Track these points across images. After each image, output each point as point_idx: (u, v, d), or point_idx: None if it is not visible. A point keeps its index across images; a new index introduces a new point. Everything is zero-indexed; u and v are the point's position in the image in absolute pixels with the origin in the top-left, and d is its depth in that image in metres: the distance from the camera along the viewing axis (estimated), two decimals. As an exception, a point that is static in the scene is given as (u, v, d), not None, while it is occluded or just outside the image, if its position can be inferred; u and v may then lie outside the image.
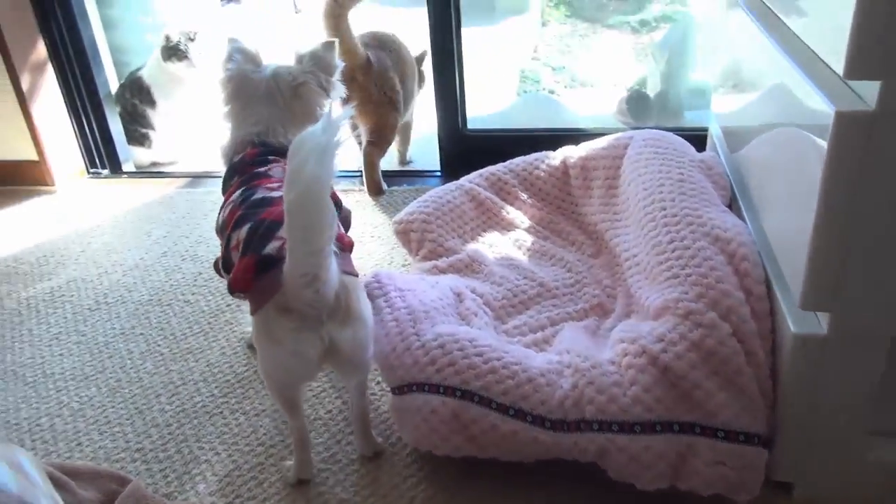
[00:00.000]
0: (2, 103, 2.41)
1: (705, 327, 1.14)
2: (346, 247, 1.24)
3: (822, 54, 1.02)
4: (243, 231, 1.21)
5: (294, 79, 1.45)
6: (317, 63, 1.47)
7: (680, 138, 1.64)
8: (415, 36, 2.48)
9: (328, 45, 1.48)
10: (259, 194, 1.29)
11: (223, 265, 1.32)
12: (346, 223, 1.47)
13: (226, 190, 1.41)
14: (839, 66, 0.91)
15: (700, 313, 1.15)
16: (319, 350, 1.15)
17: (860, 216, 0.96)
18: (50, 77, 2.47)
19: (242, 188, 1.33)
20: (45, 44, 2.43)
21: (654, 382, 1.12)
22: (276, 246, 1.14)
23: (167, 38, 2.61)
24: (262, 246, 1.16)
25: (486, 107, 3.27)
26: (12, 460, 0.76)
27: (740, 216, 1.38)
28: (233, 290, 1.21)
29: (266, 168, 1.38)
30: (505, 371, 1.19)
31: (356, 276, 1.22)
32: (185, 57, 2.61)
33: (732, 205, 1.47)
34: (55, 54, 2.46)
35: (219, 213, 1.38)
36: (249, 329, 1.62)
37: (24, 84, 2.36)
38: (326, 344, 1.14)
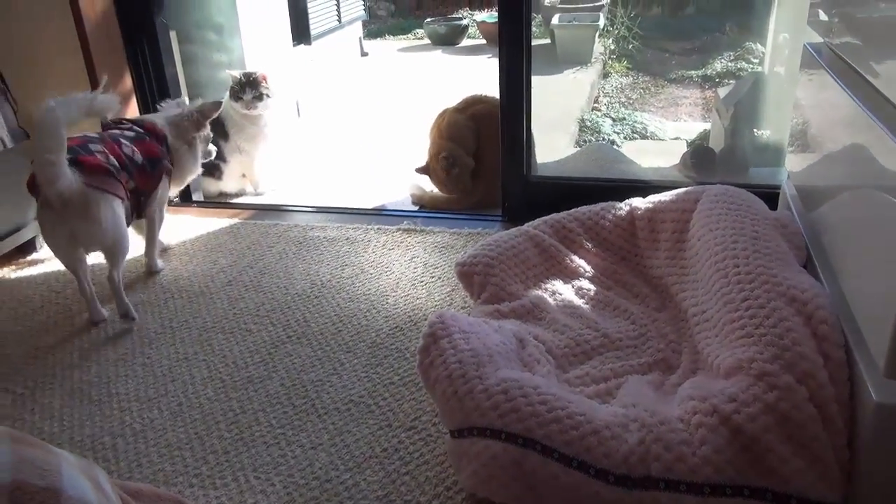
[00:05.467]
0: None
1: (780, 390, 1.10)
2: (93, 168, 1.82)
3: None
4: None
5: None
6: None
7: (753, 195, 1.62)
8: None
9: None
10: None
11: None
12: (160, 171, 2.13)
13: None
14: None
15: (775, 375, 1.12)
16: (64, 237, 1.83)
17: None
18: (132, 108, 2.58)
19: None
20: (131, 77, 2.55)
21: (725, 443, 1.09)
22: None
23: (231, 78, 2.73)
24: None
25: (545, 155, 3.29)
26: (92, 476, 0.78)
27: (816, 278, 1.35)
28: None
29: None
30: (569, 421, 1.17)
31: (102, 192, 1.83)
32: (240, 98, 2.71)
33: (808, 265, 1.43)
34: (139, 87, 2.58)
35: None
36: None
37: (109, 114, 2.48)
38: (68, 233, 1.81)
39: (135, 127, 2.12)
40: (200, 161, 2.32)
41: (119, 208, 1.91)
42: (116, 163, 1.93)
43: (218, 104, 2.30)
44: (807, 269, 1.41)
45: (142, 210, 2.11)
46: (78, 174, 1.77)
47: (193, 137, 2.25)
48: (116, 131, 2.07)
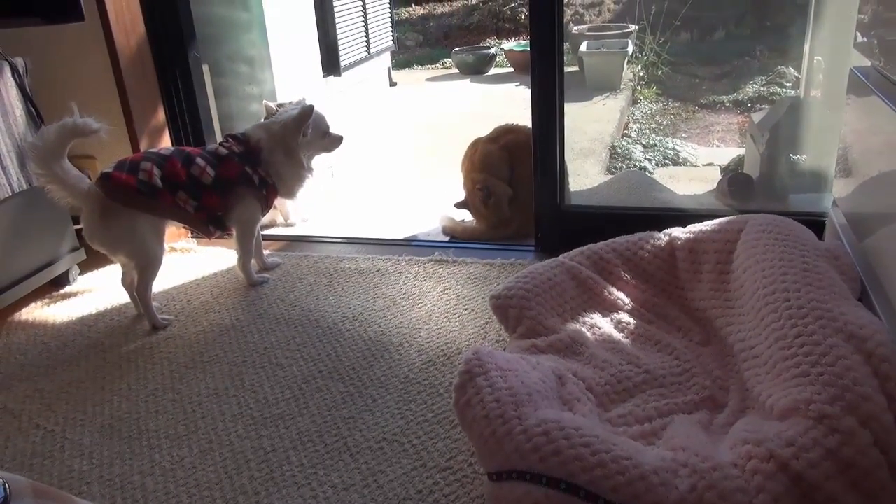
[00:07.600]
0: (120, 164, 2.56)
1: (843, 433, 1.04)
2: (116, 183, 1.97)
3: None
4: None
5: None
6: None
7: (800, 224, 1.56)
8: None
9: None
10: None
11: None
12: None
13: None
14: None
15: (836, 418, 1.05)
16: (92, 241, 2.02)
17: None
18: (165, 141, 2.60)
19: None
20: (165, 111, 2.57)
21: (784, 492, 1.02)
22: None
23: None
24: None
25: (576, 183, 3.25)
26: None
27: (873, 312, 1.28)
28: None
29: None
30: (615, 466, 1.11)
31: (121, 205, 1.97)
32: None
33: (863, 299, 1.36)
34: (172, 120, 2.60)
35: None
36: None
37: (142, 146, 2.50)
38: (94, 239, 2.01)
39: (234, 145, 2.19)
40: (306, 168, 2.30)
41: (140, 223, 2.01)
42: (161, 182, 2.02)
43: (310, 108, 2.24)
44: (862, 303, 1.34)
45: (223, 227, 2.20)
46: (101, 187, 1.97)
47: (294, 146, 2.23)
48: (211, 147, 2.20)
